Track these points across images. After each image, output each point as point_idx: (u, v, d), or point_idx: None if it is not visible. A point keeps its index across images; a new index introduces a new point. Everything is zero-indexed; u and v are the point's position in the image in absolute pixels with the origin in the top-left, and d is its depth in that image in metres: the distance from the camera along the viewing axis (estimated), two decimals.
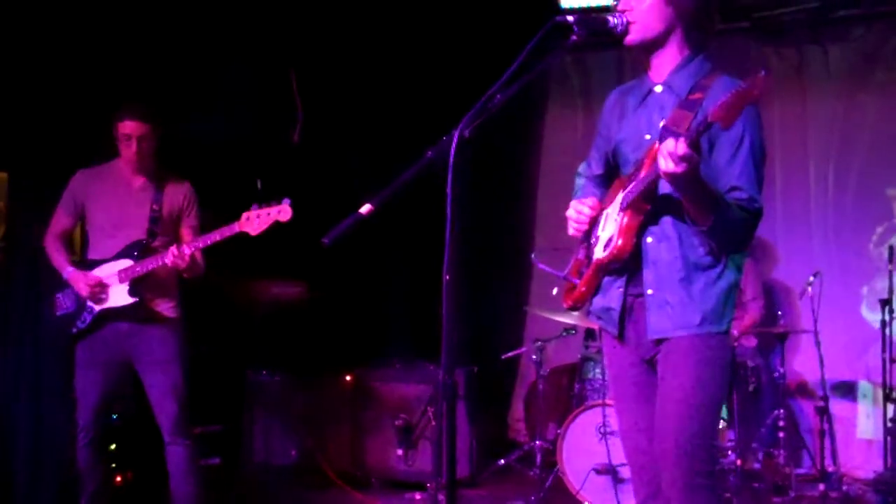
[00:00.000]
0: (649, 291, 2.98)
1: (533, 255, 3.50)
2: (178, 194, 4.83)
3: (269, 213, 4.46)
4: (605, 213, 3.09)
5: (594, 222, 3.12)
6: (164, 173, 4.84)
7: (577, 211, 3.13)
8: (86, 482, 4.70)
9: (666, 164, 2.64)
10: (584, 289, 3.08)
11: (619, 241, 2.94)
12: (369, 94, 7.03)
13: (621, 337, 3.09)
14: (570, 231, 3.17)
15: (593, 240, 3.10)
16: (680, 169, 2.63)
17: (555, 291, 5.64)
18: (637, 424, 3.11)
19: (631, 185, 2.95)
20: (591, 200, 3.14)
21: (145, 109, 4.72)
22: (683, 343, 2.94)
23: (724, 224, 2.81)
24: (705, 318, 2.92)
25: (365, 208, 2.64)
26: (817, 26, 6.70)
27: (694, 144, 2.62)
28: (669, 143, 2.63)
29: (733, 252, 2.97)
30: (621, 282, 3.05)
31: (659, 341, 3.00)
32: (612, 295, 3.07)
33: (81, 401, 4.70)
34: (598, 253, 3.05)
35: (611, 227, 3.02)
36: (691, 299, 2.93)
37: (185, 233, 4.83)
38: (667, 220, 2.96)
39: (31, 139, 5.43)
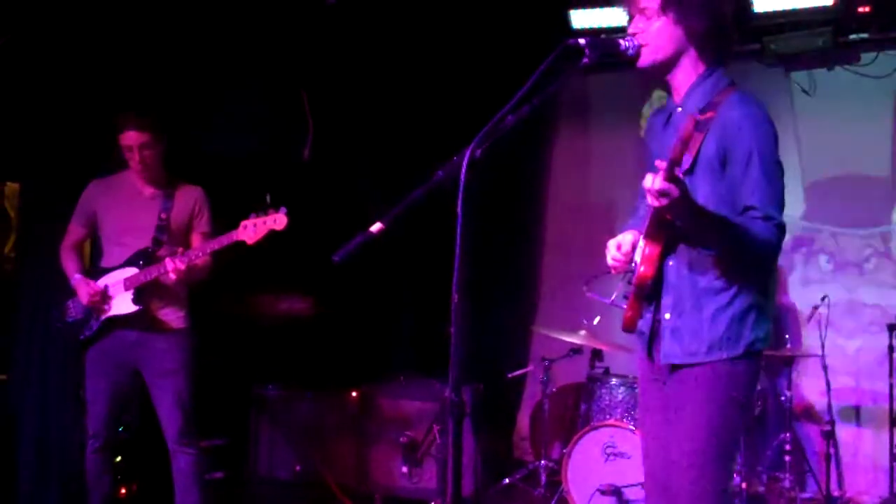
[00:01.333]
0: (666, 316, 3.01)
1: (585, 287, 3.52)
2: (188, 201, 4.86)
3: (265, 222, 4.50)
4: (641, 238, 3.09)
5: (637, 249, 3.12)
6: (176, 181, 4.87)
7: (612, 256, 3.13)
8: (92, 491, 4.72)
9: (650, 200, 2.66)
10: (629, 313, 3.08)
11: (642, 268, 2.98)
12: (381, 112, 7.06)
13: (650, 358, 3.11)
14: (612, 271, 3.17)
15: (633, 265, 3.11)
16: (661, 203, 2.64)
17: (596, 321, 5.68)
18: (655, 447, 3.12)
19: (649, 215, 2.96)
20: (629, 237, 3.13)
21: (143, 119, 4.73)
22: (694, 376, 2.95)
23: (737, 246, 2.82)
24: (713, 345, 2.93)
25: (375, 227, 2.65)
26: (828, 50, 6.71)
27: (672, 178, 2.61)
28: (647, 180, 2.64)
29: (756, 271, 2.96)
30: (652, 307, 3.07)
31: (672, 368, 3.01)
32: (645, 319, 3.08)
33: (91, 408, 4.73)
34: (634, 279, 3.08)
35: (639, 254, 3.04)
36: (700, 326, 2.94)
37: (196, 239, 4.85)
38: (682, 246, 2.97)
39: (43, 150, 5.47)
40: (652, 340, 3.08)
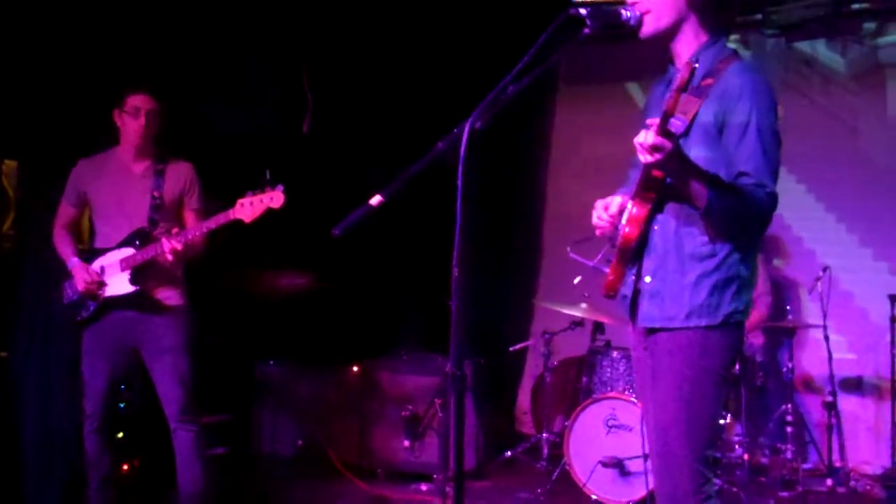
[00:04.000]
0: (647, 279, 3.02)
1: (569, 248, 3.52)
2: (179, 177, 4.82)
3: (262, 200, 4.44)
4: (629, 201, 3.09)
5: (623, 213, 3.12)
6: (165, 156, 4.84)
7: (598, 215, 3.14)
8: (93, 470, 4.71)
9: (644, 157, 2.68)
10: (612, 277, 3.08)
11: (627, 229, 2.98)
12: (380, 85, 7.03)
13: (633, 322, 3.12)
14: (597, 232, 3.17)
15: (619, 229, 3.11)
16: (654, 158, 2.66)
17: (577, 280, 5.66)
18: (646, 412, 3.14)
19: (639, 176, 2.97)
20: (617, 199, 3.13)
21: (154, 88, 4.74)
22: (669, 341, 2.96)
23: (726, 208, 2.80)
24: (693, 311, 2.92)
25: (375, 199, 2.64)
26: (829, 20, 6.67)
27: (665, 133, 2.63)
28: (640, 136, 2.66)
29: (741, 239, 2.94)
30: (634, 270, 3.07)
31: (650, 331, 3.02)
32: (627, 283, 3.09)
33: (88, 388, 4.70)
34: (618, 240, 3.08)
35: (626, 216, 3.04)
36: (682, 291, 2.94)
37: (188, 216, 4.82)
38: (669, 209, 2.97)
39: (42, 128, 5.44)
40: (634, 304, 3.08)
